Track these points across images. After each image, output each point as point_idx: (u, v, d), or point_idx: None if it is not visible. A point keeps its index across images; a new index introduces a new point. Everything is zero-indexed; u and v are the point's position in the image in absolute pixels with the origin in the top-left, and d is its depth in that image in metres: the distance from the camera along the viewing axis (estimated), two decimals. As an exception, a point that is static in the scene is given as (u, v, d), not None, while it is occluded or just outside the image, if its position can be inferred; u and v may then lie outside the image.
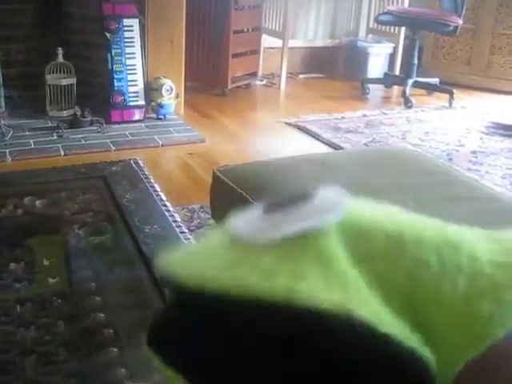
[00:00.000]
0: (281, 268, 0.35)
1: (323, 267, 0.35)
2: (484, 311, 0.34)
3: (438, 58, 4.91)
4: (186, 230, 1.18)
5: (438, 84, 4.33)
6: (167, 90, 3.31)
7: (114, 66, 3.20)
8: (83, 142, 2.95)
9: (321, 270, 0.34)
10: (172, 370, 0.38)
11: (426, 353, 0.34)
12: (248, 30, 4.19)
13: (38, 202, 1.28)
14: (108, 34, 3.18)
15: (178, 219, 1.22)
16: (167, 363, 0.38)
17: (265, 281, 0.34)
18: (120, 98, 3.22)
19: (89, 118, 3.13)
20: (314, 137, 3.29)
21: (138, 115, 3.31)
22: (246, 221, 0.40)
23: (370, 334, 0.33)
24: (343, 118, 3.69)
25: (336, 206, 0.38)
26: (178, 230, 1.18)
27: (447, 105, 4.10)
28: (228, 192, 1.27)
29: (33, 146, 2.85)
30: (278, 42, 4.47)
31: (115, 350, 0.86)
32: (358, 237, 0.37)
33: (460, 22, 3.85)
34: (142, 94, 3.30)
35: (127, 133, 3.13)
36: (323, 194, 0.40)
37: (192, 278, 0.37)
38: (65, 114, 3.27)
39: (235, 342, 0.35)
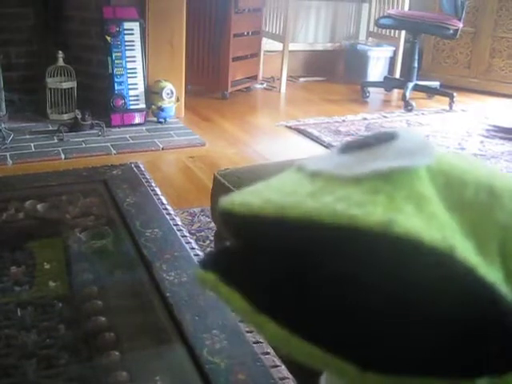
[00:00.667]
0: (373, 199, 0.32)
1: (417, 206, 0.33)
2: None
3: (438, 62, 4.92)
4: (187, 234, 1.18)
5: (438, 87, 4.34)
6: (168, 94, 3.32)
7: (115, 70, 3.21)
8: (84, 145, 2.96)
9: (415, 207, 0.32)
10: (230, 287, 0.35)
11: None
12: (248, 33, 4.19)
13: (39, 206, 1.28)
14: (108, 38, 3.18)
15: (179, 223, 1.22)
16: (226, 281, 0.35)
17: (356, 208, 0.31)
18: (120, 102, 3.23)
19: (89, 122, 3.14)
20: (314, 140, 3.30)
21: (138, 119, 3.31)
22: (323, 159, 0.37)
23: (469, 277, 0.31)
24: (343, 121, 3.70)
25: (426, 148, 0.37)
26: (179, 233, 1.18)
27: (447, 108, 4.11)
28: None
29: (33, 150, 2.85)
30: (278, 46, 4.48)
31: (116, 353, 0.86)
32: (448, 184, 0.35)
33: (460, 25, 3.86)
34: (142, 97, 3.31)
35: (128, 136, 3.13)
36: (407, 136, 0.38)
37: (268, 207, 0.33)
38: (65, 117, 3.28)
39: (314, 269, 0.33)
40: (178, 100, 3.41)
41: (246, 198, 0.35)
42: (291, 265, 0.33)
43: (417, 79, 4.14)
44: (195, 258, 1.09)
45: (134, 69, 3.27)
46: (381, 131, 0.40)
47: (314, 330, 0.32)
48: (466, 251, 0.32)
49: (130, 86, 3.27)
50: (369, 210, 0.31)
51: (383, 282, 0.31)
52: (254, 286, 0.34)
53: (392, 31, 4.82)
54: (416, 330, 0.31)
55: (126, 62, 3.24)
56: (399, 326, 0.31)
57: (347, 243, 0.31)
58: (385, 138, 0.38)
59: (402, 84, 4.20)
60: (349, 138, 3.31)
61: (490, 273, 0.32)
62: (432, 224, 0.32)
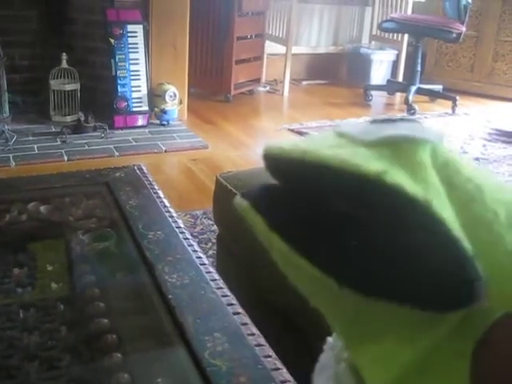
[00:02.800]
0: (377, 158, 0.39)
1: (412, 171, 0.39)
2: None
3: (441, 65, 4.92)
4: (190, 237, 1.18)
5: (440, 91, 4.34)
6: (170, 96, 3.33)
7: (118, 72, 3.22)
8: (86, 147, 2.97)
9: (410, 171, 0.38)
10: (255, 211, 0.42)
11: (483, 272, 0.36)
12: (251, 36, 4.20)
13: (42, 208, 1.28)
14: (112, 40, 3.19)
15: (182, 225, 1.22)
16: (269, 224, 0.41)
17: (361, 160, 0.38)
18: (123, 104, 3.24)
19: (92, 124, 3.14)
20: (316, 143, 3.30)
21: (141, 121, 3.32)
22: (353, 125, 0.44)
23: (442, 231, 0.36)
24: (346, 124, 3.70)
25: (439, 135, 0.42)
26: (181, 236, 1.18)
27: (450, 111, 4.11)
28: (231, 198, 1.28)
29: (36, 151, 2.86)
30: (281, 49, 4.48)
31: (118, 355, 0.86)
32: (445, 167, 0.41)
33: (463, 29, 3.86)
34: (145, 99, 3.32)
35: (130, 138, 3.14)
36: (427, 126, 0.44)
37: (295, 151, 0.41)
38: (68, 119, 3.28)
39: (323, 202, 0.39)
40: (180, 102, 3.42)
41: (282, 143, 0.43)
42: (307, 197, 0.40)
43: (420, 83, 4.15)
44: (197, 261, 1.09)
45: (138, 71, 3.28)
46: (406, 117, 0.47)
47: (312, 250, 0.40)
48: (443, 208, 0.37)
49: (133, 89, 3.28)
50: (371, 162, 0.38)
51: (375, 221, 0.38)
52: (273, 210, 0.42)
53: (395, 35, 4.82)
54: (393, 262, 0.37)
55: (130, 64, 3.25)
56: (381, 256, 0.38)
57: (349, 186, 0.38)
58: (410, 120, 0.44)
59: (404, 87, 4.20)
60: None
61: (461, 234, 0.37)
62: (419, 184, 0.38)
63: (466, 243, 0.36)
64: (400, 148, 0.40)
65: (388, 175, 0.37)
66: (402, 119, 0.44)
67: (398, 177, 0.37)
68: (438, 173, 0.40)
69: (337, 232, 0.39)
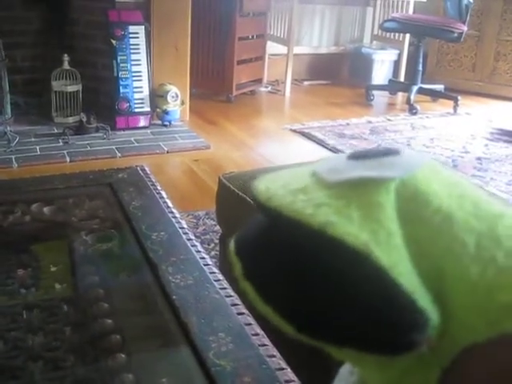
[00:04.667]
0: (329, 202, 0.40)
1: (367, 212, 0.39)
2: (503, 302, 0.36)
3: (443, 65, 4.92)
4: (193, 237, 1.18)
5: (442, 90, 4.34)
6: (172, 97, 3.33)
7: (120, 73, 3.22)
8: (89, 148, 2.97)
9: (364, 213, 0.39)
10: (236, 256, 0.44)
11: (433, 317, 0.37)
12: (253, 36, 4.20)
13: (45, 209, 1.29)
14: (114, 41, 3.20)
15: (185, 226, 1.22)
16: (243, 272, 0.43)
17: (310, 208, 0.39)
18: (125, 105, 3.24)
19: (94, 125, 3.15)
20: (318, 143, 3.30)
21: (143, 122, 3.32)
22: (329, 161, 0.45)
23: (381, 279, 0.37)
24: (348, 124, 3.70)
25: (408, 165, 0.42)
26: (184, 236, 1.18)
27: (452, 111, 4.11)
28: (234, 199, 1.28)
29: (39, 153, 2.86)
30: (282, 49, 4.48)
31: (123, 355, 0.86)
32: (412, 199, 0.40)
33: (464, 28, 3.86)
34: (147, 100, 3.32)
35: (133, 139, 3.14)
36: (408, 153, 0.44)
37: (263, 194, 0.43)
38: (70, 120, 3.29)
39: (284, 258, 0.41)
40: (182, 103, 3.42)
41: (261, 183, 0.44)
42: (272, 244, 0.42)
43: (421, 82, 4.15)
44: (201, 262, 1.09)
45: (139, 72, 3.28)
46: (387, 147, 0.46)
47: (273, 299, 0.41)
48: (391, 253, 0.37)
49: (135, 89, 3.28)
50: (319, 212, 0.39)
51: (322, 272, 0.39)
52: (250, 259, 0.44)
53: (396, 34, 4.82)
54: (342, 312, 0.38)
55: (131, 65, 3.25)
56: (330, 306, 0.39)
57: (297, 237, 0.39)
58: (385, 153, 0.44)
59: (406, 87, 4.20)
60: (355, 142, 3.31)
61: (409, 279, 0.37)
62: (370, 225, 0.38)
63: (407, 288, 0.37)
64: (362, 189, 0.40)
65: (330, 227, 0.38)
66: (381, 151, 0.44)
67: (344, 225, 0.38)
68: (402, 210, 0.40)
69: (292, 282, 0.40)
